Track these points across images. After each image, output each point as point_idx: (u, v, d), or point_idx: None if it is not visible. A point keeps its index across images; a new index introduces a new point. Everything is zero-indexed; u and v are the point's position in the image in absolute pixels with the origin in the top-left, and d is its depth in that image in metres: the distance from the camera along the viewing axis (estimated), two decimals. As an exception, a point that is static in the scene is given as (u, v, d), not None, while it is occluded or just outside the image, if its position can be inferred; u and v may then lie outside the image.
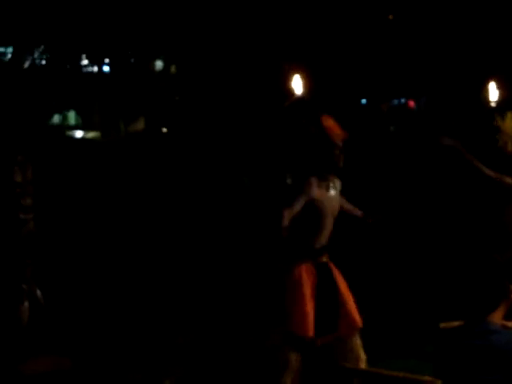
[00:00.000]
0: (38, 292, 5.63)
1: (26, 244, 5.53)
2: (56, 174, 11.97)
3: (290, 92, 5.49)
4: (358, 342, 4.79)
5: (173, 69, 20.67)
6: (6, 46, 18.86)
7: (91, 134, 23.53)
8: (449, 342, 3.51)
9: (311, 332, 4.62)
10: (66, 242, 9.34)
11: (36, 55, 18.78)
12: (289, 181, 5.07)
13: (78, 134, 24.07)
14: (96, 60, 21.04)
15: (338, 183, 4.90)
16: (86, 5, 16.76)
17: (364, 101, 18.67)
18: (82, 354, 5.95)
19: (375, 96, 17.99)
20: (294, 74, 5.43)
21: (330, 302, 4.72)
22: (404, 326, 6.69)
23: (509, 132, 6.21)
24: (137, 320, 6.98)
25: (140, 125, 21.50)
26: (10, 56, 18.39)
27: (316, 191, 4.74)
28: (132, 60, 20.18)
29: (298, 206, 4.68)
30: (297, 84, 5.41)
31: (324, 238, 4.82)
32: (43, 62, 19.26)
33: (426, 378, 3.34)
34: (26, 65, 18.40)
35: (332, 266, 4.86)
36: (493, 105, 6.82)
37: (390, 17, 17.36)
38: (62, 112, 23.19)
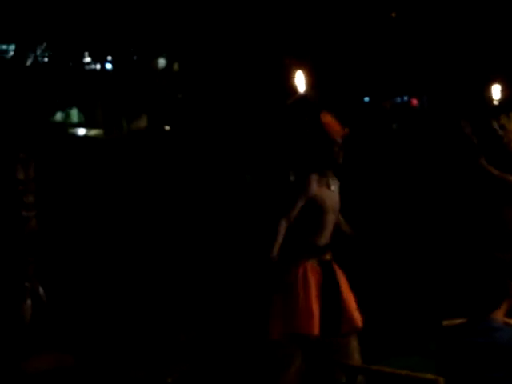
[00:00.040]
0: (41, 290, 5.63)
1: (29, 242, 5.53)
2: (58, 171, 11.97)
3: (293, 90, 5.49)
4: (355, 343, 4.79)
5: (175, 66, 20.67)
6: (8, 43, 18.88)
7: (94, 132, 23.53)
8: (452, 340, 3.51)
9: (317, 330, 4.62)
10: (68, 240, 9.35)
11: (38, 53, 18.78)
12: (292, 178, 5.07)
13: (81, 131, 24.08)
14: (99, 57, 21.05)
15: (336, 181, 4.90)
16: (89, 2, 16.76)
17: (367, 98, 18.66)
18: (85, 351, 5.95)
19: (378, 94, 17.98)
20: (296, 72, 5.43)
21: (333, 301, 4.72)
22: (407, 324, 6.69)
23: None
24: (139, 317, 6.98)
25: (143, 122, 21.50)
26: (12, 53, 18.40)
27: (316, 188, 4.74)
28: (135, 58, 20.18)
29: (295, 212, 4.69)
30: (300, 82, 5.40)
31: (327, 236, 4.82)
32: (45, 60, 19.26)
33: (429, 375, 3.34)
34: (29, 62, 18.40)
35: (335, 264, 4.86)
36: (496, 103, 6.81)
37: (393, 14, 17.34)
38: (65, 109, 23.19)
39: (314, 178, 4.75)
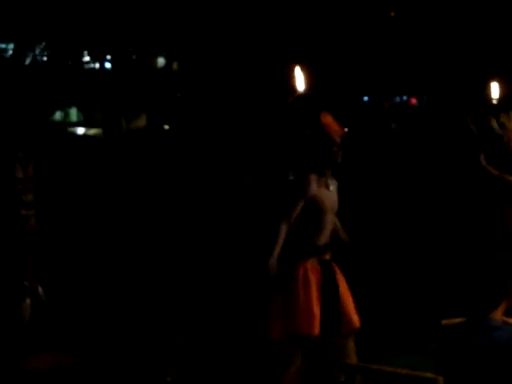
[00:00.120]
0: (40, 289, 5.63)
1: (28, 240, 5.53)
2: (57, 170, 11.97)
3: (293, 89, 5.48)
4: (352, 344, 4.80)
5: (175, 66, 20.67)
6: (7, 42, 18.85)
7: (93, 131, 23.52)
8: (451, 339, 3.51)
9: (317, 330, 4.62)
10: (67, 239, 9.34)
11: (37, 52, 18.76)
12: (291, 177, 5.07)
13: (80, 130, 24.06)
14: (98, 57, 21.03)
15: (334, 181, 4.91)
16: (88, 1, 16.75)
17: (366, 98, 18.66)
18: (84, 350, 5.95)
19: (377, 93, 17.99)
20: (296, 71, 5.42)
21: (333, 301, 4.73)
22: (406, 323, 6.69)
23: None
24: (138, 317, 6.98)
25: (142, 122, 21.48)
26: (11, 52, 18.38)
27: (315, 189, 4.75)
28: (134, 57, 20.17)
29: (295, 214, 4.70)
30: (299, 81, 5.39)
31: (326, 236, 4.82)
32: (44, 59, 19.24)
33: (428, 374, 3.34)
34: (28, 61, 18.38)
35: (334, 264, 4.87)
36: (495, 102, 6.81)
37: (392, 14, 17.34)
38: (64, 109, 23.17)
39: (313, 178, 4.76)
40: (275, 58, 15.03)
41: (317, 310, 4.66)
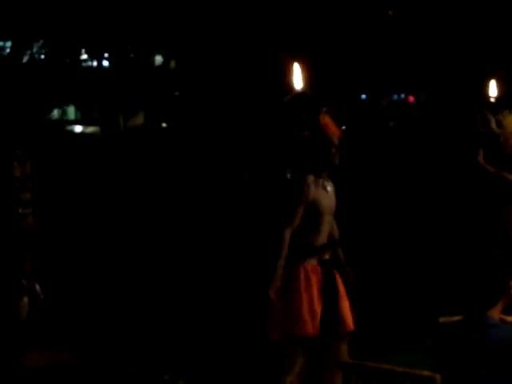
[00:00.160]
0: (38, 287, 5.62)
1: (25, 239, 5.52)
2: (55, 168, 11.96)
3: (290, 87, 5.47)
4: (346, 346, 4.81)
5: (172, 64, 20.65)
6: (4, 40, 18.82)
7: (90, 129, 23.50)
8: (448, 337, 3.51)
9: (317, 331, 4.63)
10: (65, 237, 9.34)
11: (35, 49, 18.73)
12: (289, 176, 5.07)
13: (78, 128, 24.04)
14: (95, 55, 21.00)
15: (331, 183, 4.91)
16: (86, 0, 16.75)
17: (364, 96, 18.65)
18: (82, 348, 5.95)
19: (375, 91, 17.97)
20: (293, 69, 5.41)
21: (333, 302, 4.74)
22: (403, 321, 6.70)
23: (510, 128, 6.20)
24: (137, 314, 6.98)
25: (139, 120, 21.46)
26: (8, 50, 18.35)
27: (313, 191, 4.75)
28: (131, 55, 20.14)
29: (297, 219, 4.70)
30: (297, 79, 5.39)
31: (324, 236, 4.83)
32: (42, 57, 19.21)
33: (425, 372, 3.35)
34: (25, 59, 18.35)
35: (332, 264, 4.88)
36: (492, 100, 6.80)
37: (390, 12, 17.33)
38: (62, 106, 23.14)
39: (311, 179, 4.75)
40: (272, 56, 15.02)
41: (318, 311, 4.66)
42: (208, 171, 13.42)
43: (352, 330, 4.81)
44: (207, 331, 6.57)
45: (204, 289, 7.69)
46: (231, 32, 16.13)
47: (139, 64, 19.96)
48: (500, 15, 15.17)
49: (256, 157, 13.30)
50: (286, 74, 5.47)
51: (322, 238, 4.81)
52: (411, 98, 20.99)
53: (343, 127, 4.86)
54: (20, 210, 5.48)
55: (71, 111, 25.57)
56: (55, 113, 23.34)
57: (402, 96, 20.93)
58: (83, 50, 20.65)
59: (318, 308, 4.67)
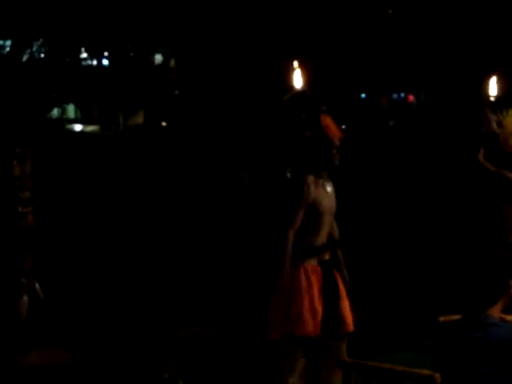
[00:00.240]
0: (37, 285, 5.62)
1: (25, 237, 5.52)
2: (55, 167, 11.96)
3: (290, 86, 5.47)
4: (345, 346, 4.82)
5: (172, 62, 20.64)
6: (4, 39, 18.82)
7: (90, 128, 23.52)
8: (448, 336, 3.51)
9: (318, 331, 4.63)
10: (65, 236, 9.34)
11: (35, 48, 18.72)
12: (289, 175, 5.07)
13: (77, 127, 24.07)
14: (95, 53, 21.00)
15: (330, 183, 4.91)
16: (86, -2, 16.73)
17: (363, 95, 18.65)
18: (82, 347, 5.95)
19: (375, 90, 17.96)
20: (293, 68, 5.41)
21: (333, 302, 4.74)
22: (403, 320, 6.70)
23: (510, 127, 6.20)
24: (137, 313, 6.98)
25: (139, 118, 21.47)
26: (8, 49, 18.34)
27: (314, 191, 4.75)
28: (131, 54, 20.14)
29: (299, 220, 4.70)
30: (296, 78, 5.39)
31: (323, 236, 4.83)
32: (42, 56, 19.21)
33: (425, 371, 3.34)
34: (25, 58, 18.34)
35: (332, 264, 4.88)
36: (492, 99, 6.80)
37: (390, 11, 17.33)
38: (61, 105, 23.15)
39: (311, 179, 4.75)
40: (272, 55, 15.02)
41: (319, 310, 4.66)
42: (208, 170, 13.41)
43: (352, 330, 4.82)
44: (207, 331, 6.57)
45: (205, 288, 7.69)
46: (231, 31, 16.13)
47: (139, 63, 19.96)
48: (500, 14, 15.16)
49: (256, 156, 13.30)
50: (286, 72, 5.47)
51: (322, 238, 4.81)
52: (411, 97, 20.99)
53: (343, 126, 4.85)
54: (20, 209, 5.48)
55: (71, 110, 25.58)
56: (55, 111, 23.35)
57: (402, 95, 20.93)
58: (83, 49, 20.65)
59: (319, 307, 4.67)
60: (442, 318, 3.71)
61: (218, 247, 9.28)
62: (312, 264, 4.74)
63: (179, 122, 18.16)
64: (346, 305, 4.81)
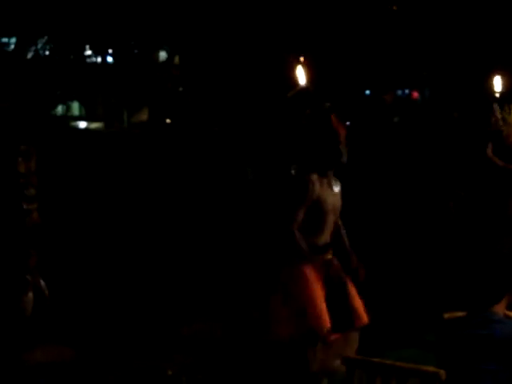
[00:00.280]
0: (42, 282, 5.63)
1: (30, 234, 5.53)
2: (60, 164, 11.97)
3: (294, 82, 5.47)
4: (357, 338, 4.82)
5: (176, 59, 20.65)
6: (9, 36, 18.83)
7: (95, 125, 23.53)
8: (452, 332, 3.52)
9: (327, 325, 4.62)
10: (70, 233, 9.35)
11: (39, 46, 18.74)
12: (293, 172, 5.06)
13: (82, 124, 24.08)
14: (99, 51, 21.01)
15: (338, 182, 4.89)
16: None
17: (368, 92, 18.63)
18: (86, 344, 5.96)
19: (379, 87, 17.94)
20: (297, 65, 5.41)
21: (340, 298, 4.73)
22: (407, 316, 6.70)
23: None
24: (141, 310, 6.99)
25: (143, 115, 21.49)
26: (13, 46, 18.36)
27: (318, 189, 4.73)
28: (136, 51, 20.15)
29: (301, 216, 4.69)
30: (301, 74, 5.38)
31: (327, 235, 4.82)
32: (47, 53, 19.22)
33: (430, 368, 3.34)
34: (30, 55, 18.36)
35: (336, 262, 4.87)
36: (497, 96, 6.80)
37: (395, 7, 17.30)
38: (66, 102, 23.17)
39: (315, 178, 4.73)
40: (277, 52, 15.02)
41: (324, 305, 4.64)
42: (212, 167, 13.42)
43: (366, 322, 4.81)
44: (211, 327, 6.57)
45: (208, 285, 7.69)
46: (235, 28, 16.12)
47: (143, 60, 19.96)
48: (504, 11, 15.13)
49: (260, 153, 13.29)
50: (290, 69, 5.46)
51: (325, 238, 4.80)
52: (415, 94, 20.96)
53: (347, 123, 4.85)
54: (25, 206, 5.49)
55: (75, 107, 25.59)
56: (59, 109, 23.38)
57: (406, 91, 20.90)
58: (87, 46, 20.66)
59: (324, 303, 4.65)
60: (446, 315, 3.71)
61: (221, 244, 9.28)
62: (314, 263, 4.73)
63: (183, 118, 18.17)
64: (356, 299, 4.80)
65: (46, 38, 18.74)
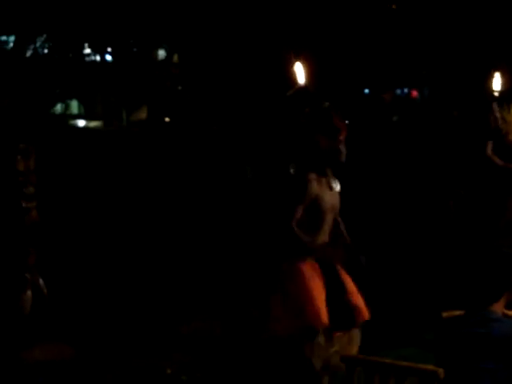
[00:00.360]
0: (41, 281, 5.63)
1: (29, 233, 5.53)
2: (58, 162, 11.97)
3: (293, 81, 5.47)
4: (359, 334, 4.82)
5: (175, 58, 20.63)
6: (7, 34, 18.82)
7: (94, 123, 23.52)
8: (451, 331, 3.52)
9: (325, 320, 4.61)
10: (69, 231, 9.35)
11: (38, 44, 18.72)
12: (292, 171, 5.05)
13: (81, 123, 24.07)
14: (98, 49, 20.99)
15: (337, 181, 4.89)
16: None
17: (367, 90, 18.63)
18: (85, 342, 5.96)
19: (378, 86, 17.93)
20: (296, 63, 5.41)
21: (340, 297, 4.73)
22: (406, 315, 6.70)
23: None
24: (140, 308, 6.99)
25: (143, 114, 21.47)
26: (11, 45, 18.35)
27: (316, 188, 4.72)
28: (135, 49, 20.13)
29: (299, 215, 4.69)
30: (299, 73, 5.38)
31: (325, 235, 4.81)
32: (45, 51, 19.20)
33: (429, 366, 3.35)
34: (28, 53, 18.35)
35: (335, 260, 4.86)
36: (496, 94, 6.80)
37: (394, 6, 17.30)
38: (65, 101, 23.12)
39: (313, 177, 4.72)
40: (276, 51, 15.01)
41: (322, 302, 4.64)
42: (211, 165, 13.41)
43: (368, 318, 4.81)
44: (210, 326, 6.57)
45: (207, 283, 7.69)
46: (234, 26, 16.12)
47: (142, 58, 19.95)
48: (503, 9, 15.13)
49: (259, 151, 13.29)
50: (289, 68, 5.46)
51: (324, 237, 4.80)
52: (414, 93, 20.95)
53: (346, 122, 4.86)
54: (23, 204, 5.49)
55: (74, 105, 25.57)
56: (58, 107, 23.33)
57: (406, 90, 20.89)
58: (86, 45, 20.64)
59: (321, 298, 4.65)
60: (445, 314, 3.72)
61: (220, 242, 9.28)
62: (311, 262, 4.73)
63: (182, 117, 18.16)
64: (356, 296, 4.80)
65: (44, 36, 18.73)
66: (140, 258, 8.70)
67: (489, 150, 6.34)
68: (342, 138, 4.80)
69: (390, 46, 16.61)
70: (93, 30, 18.08)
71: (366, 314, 4.80)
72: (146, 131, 18.35)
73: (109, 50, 21.11)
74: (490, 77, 6.81)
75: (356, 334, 4.80)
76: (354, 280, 4.89)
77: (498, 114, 6.30)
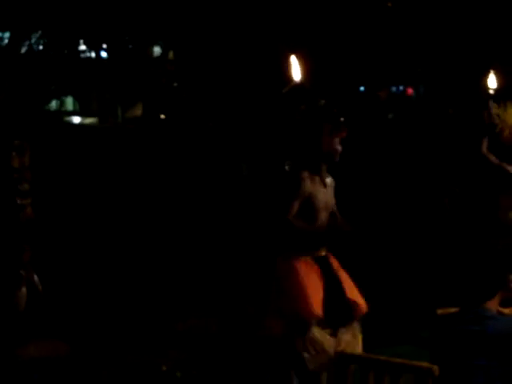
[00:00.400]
0: (36, 278, 5.62)
1: (24, 229, 5.52)
2: (54, 159, 11.95)
3: (288, 78, 5.47)
4: (359, 329, 4.83)
5: (171, 55, 20.61)
6: (2, 31, 18.77)
7: (89, 120, 23.50)
8: (446, 328, 3.52)
9: (319, 312, 4.61)
10: (64, 228, 9.34)
11: (33, 40, 18.68)
12: (287, 168, 5.06)
13: (76, 119, 24.04)
14: (94, 45, 20.96)
15: (330, 178, 4.89)
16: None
17: (362, 88, 18.63)
18: (80, 339, 5.96)
19: (373, 83, 17.95)
20: (292, 61, 5.41)
21: (337, 294, 4.73)
22: (401, 313, 6.71)
23: (508, 120, 6.21)
24: (135, 306, 6.98)
25: (138, 111, 21.45)
26: (6, 41, 18.31)
27: (309, 186, 4.72)
28: (130, 46, 20.10)
29: (294, 211, 4.69)
30: (295, 70, 5.38)
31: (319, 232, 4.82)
32: (40, 48, 19.17)
33: (423, 363, 3.35)
34: (23, 50, 18.31)
35: (331, 257, 4.87)
36: (491, 92, 6.80)
37: (389, 4, 17.30)
38: (60, 97, 23.10)
39: (306, 175, 4.73)
40: (271, 48, 15.00)
41: (318, 296, 4.64)
42: (206, 163, 13.41)
43: (366, 311, 4.82)
44: (206, 323, 6.57)
45: (203, 280, 7.69)
46: (229, 23, 16.10)
47: (138, 55, 19.92)
48: (499, 7, 15.15)
49: (255, 149, 13.29)
50: (285, 65, 5.45)
51: (318, 235, 4.80)
52: (410, 90, 20.97)
53: (341, 119, 4.85)
54: (18, 201, 5.47)
55: (69, 102, 25.53)
56: (53, 104, 23.30)
57: (401, 88, 20.91)
58: (81, 41, 20.61)
59: (317, 291, 4.65)
60: (439, 311, 3.72)
61: (216, 239, 9.28)
62: (307, 259, 4.73)
63: (178, 114, 18.14)
64: (353, 291, 4.81)
65: (39, 32, 18.69)
66: (135, 255, 8.70)
67: (484, 148, 6.35)
68: (342, 135, 4.81)
69: (386, 43, 16.62)
70: (88, 26, 18.05)
71: (364, 307, 4.81)
72: (141, 128, 18.34)
73: (104, 46, 21.08)
74: (485, 74, 6.80)
75: (357, 328, 4.82)
76: (351, 275, 4.90)
77: (493, 112, 6.30)
